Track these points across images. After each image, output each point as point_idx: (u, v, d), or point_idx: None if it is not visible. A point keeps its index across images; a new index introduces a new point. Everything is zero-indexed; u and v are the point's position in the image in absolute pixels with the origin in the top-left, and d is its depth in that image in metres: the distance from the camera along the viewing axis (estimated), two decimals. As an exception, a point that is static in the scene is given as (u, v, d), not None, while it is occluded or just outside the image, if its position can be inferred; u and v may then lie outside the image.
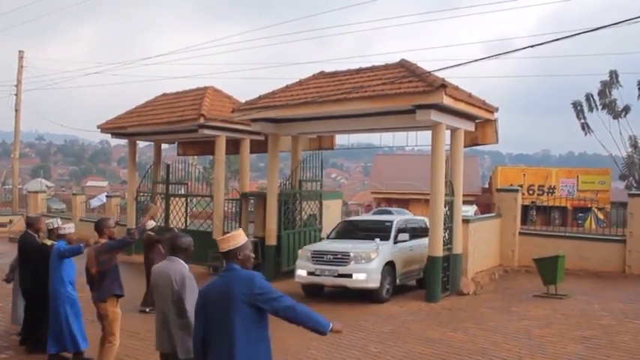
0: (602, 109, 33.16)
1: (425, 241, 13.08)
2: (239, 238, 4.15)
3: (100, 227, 7.02)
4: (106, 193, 33.99)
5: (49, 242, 7.98)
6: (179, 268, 5.12)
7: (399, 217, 15.08)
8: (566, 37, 8.69)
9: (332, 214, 16.98)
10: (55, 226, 7.97)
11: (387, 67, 13.32)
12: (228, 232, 4.88)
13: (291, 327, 4.13)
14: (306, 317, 3.97)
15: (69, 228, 7.79)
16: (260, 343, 3.93)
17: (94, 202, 34.48)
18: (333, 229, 14.43)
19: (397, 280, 12.59)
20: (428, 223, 13.12)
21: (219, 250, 4.14)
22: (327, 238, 13.92)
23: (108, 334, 6.68)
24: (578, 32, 8.43)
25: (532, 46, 8.80)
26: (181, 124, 16.89)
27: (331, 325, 4.00)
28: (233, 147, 18.52)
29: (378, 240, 12.12)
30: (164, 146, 22.38)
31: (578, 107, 33.75)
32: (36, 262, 7.99)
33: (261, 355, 3.94)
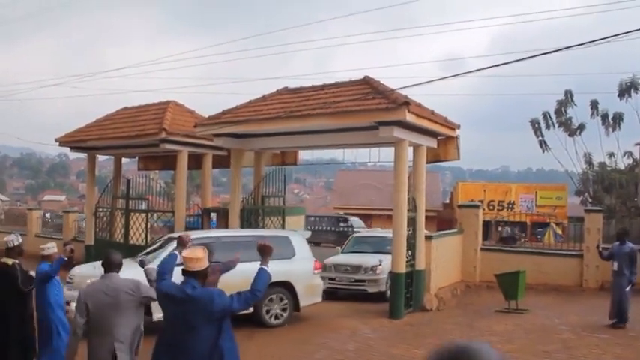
0: (558, 127, 34.02)
1: None
2: (205, 258, 4.56)
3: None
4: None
5: (10, 261, 7.26)
6: (123, 280, 5.37)
7: None
8: (529, 57, 8.88)
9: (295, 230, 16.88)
10: (16, 243, 7.31)
11: (350, 83, 13.37)
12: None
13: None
14: (262, 289, 4.65)
15: (51, 248, 7.29)
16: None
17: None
18: (346, 243, 17.16)
19: None
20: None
21: (189, 268, 4.48)
22: (342, 252, 16.34)
23: None
24: (542, 53, 8.62)
25: (496, 65, 8.97)
26: (142, 139, 16.62)
27: (266, 269, 4.70)
28: (195, 162, 18.31)
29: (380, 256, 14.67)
30: (125, 160, 22.00)
31: (536, 125, 34.54)
32: None
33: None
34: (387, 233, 16.14)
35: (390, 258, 13.32)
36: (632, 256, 11.25)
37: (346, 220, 30.57)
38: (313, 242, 15.28)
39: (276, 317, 11.14)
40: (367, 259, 14.80)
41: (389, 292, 13.58)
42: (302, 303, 11.42)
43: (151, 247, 12.01)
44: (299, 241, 12.06)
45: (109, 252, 5.75)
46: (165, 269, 4.90)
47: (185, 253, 4.73)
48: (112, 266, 5.45)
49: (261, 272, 4.69)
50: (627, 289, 11.07)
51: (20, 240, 7.48)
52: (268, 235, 12.07)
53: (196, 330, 4.44)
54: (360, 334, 10.57)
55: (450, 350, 1.74)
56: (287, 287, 11.21)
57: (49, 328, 7.05)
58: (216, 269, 6.70)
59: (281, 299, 11.21)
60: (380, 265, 14.38)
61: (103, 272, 5.49)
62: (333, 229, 29.46)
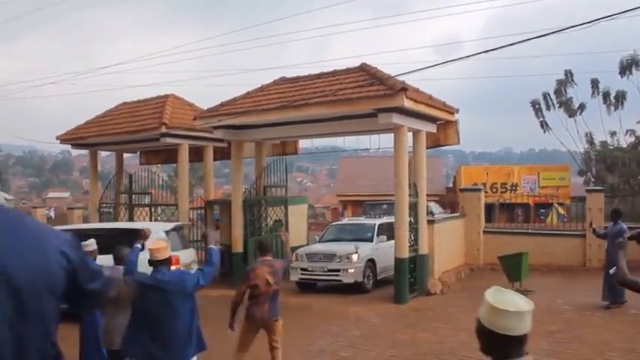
0: (559, 107, 33.90)
1: None
2: (168, 248, 5.35)
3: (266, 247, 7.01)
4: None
5: None
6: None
7: (379, 220, 15.46)
8: (526, 40, 8.87)
9: (298, 219, 16.95)
10: (93, 249, 7.18)
11: (347, 71, 13.37)
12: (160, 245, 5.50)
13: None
14: (216, 262, 5.60)
15: (92, 244, 7.21)
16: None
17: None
18: (324, 232, 15.93)
19: (377, 275, 13.98)
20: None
21: (156, 258, 5.20)
22: (319, 241, 15.22)
23: (279, 342, 6.75)
24: (540, 35, 8.60)
25: (495, 49, 8.96)
26: (143, 134, 16.65)
27: (213, 247, 5.74)
28: (196, 154, 18.35)
29: (356, 243, 13.77)
30: (127, 155, 22.05)
31: (537, 106, 34.42)
32: None
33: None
34: (367, 220, 16.31)
35: (369, 246, 13.77)
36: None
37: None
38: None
39: None
40: (342, 247, 13.78)
41: (366, 281, 13.47)
42: None
43: None
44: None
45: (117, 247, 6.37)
46: (132, 263, 5.55)
47: (150, 245, 5.43)
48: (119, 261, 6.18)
49: (211, 250, 5.69)
50: (611, 271, 10.98)
51: (95, 247, 7.44)
52: (128, 227, 11.97)
53: (176, 309, 5.12)
54: (365, 320, 10.62)
55: None
56: None
57: (93, 328, 6.64)
58: (277, 266, 6.72)
59: None
60: (355, 252, 13.30)
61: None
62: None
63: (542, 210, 32.72)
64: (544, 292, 12.80)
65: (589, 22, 8.08)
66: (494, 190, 35.25)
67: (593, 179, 34.22)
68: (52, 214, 35.70)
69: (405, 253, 12.50)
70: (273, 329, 6.70)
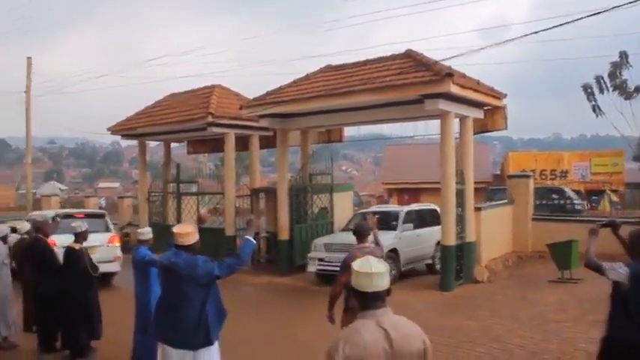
0: (613, 90, 32.79)
1: (434, 228, 14.04)
2: (196, 233, 5.19)
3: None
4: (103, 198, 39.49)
5: (77, 246, 7.85)
6: None
7: (407, 208, 15.12)
8: (574, 20, 8.63)
9: (343, 207, 16.98)
10: (83, 229, 7.91)
11: (393, 57, 13.28)
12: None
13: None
14: (246, 257, 5.22)
15: (148, 233, 7.49)
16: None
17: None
18: (349, 221, 15.04)
19: (402, 267, 13.42)
20: (439, 211, 13.22)
21: (181, 243, 5.10)
22: (343, 230, 14.55)
23: None
24: (585, 16, 8.37)
25: (535, 32, 8.76)
26: (190, 123, 16.95)
27: (250, 239, 5.25)
28: (242, 143, 18.56)
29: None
30: (174, 145, 22.49)
31: (589, 90, 33.39)
32: (55, 267, 8.04)
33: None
34: (394, 208, 16.10)
35: (392, 235, 13.24)
36: None
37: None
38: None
39: None
40: None
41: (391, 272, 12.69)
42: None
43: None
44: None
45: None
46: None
47: (175, 228, 5.27)
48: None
49: (247, 241, 5.27)
50: None
51: (87, 226, 7.95)
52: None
53: (186, 294, 5.02)
54: (409, 306, 10.52)
55: None
56: None
57: (149, 309, 6.77)
58: (377, 254, 5.86)
59: None
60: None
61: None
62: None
63: (594, 197, 31.79)
64: (594, 280, 12.41)
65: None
66: (543, 176, 34.54)
67: (648, 165, 33.10)
68: (103, 203, 36.87)
69: (452, 241, 12.41)
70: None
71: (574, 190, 28.57)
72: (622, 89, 32.56)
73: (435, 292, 12.05)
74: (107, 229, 14.24)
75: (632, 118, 32.99)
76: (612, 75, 32.77)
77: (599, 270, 4.87)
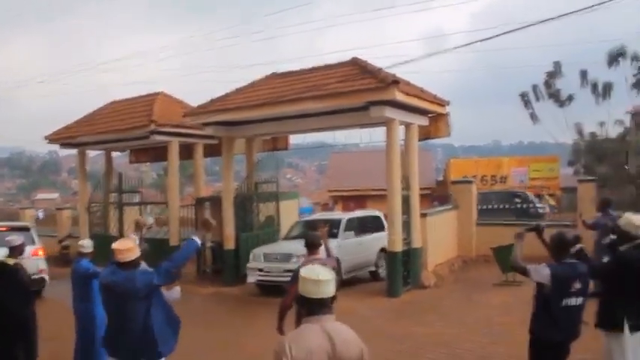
0: (548, 98, 34.05)
1: (377, 235, 14.25)
2: (137, 249, 4.96)
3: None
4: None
5: (11, 261, 7.11)
6: None
7: (348, 215, 15.03)
8: (513, 30, 8.86)
9: (290, 215, 16.90)
10: (18, 243, 7.27)
11: (339, 65, 13.32)
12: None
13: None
14: (182, 259, 5.01)
15: (89, 246, 7.37)
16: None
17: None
18: (289, 230, 14.90)
19: (342, 275, 12.71)
20: (383, 217, 13.30)
21: (121, 259, 4.83)
22: (285, 239, 14.43)
23: None
24: (525, 25, 8.60)
25: (482, 40, 8.95)
26: (132, 132, 16.53)
27: (195, 239, 5.05)
28: (186, 152, 18.24)
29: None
30: (115, 154, 21.89)
31: (526, 98, 34.57)
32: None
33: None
34: (335, 215, 16.07)
35: (334, 243, 12.26)
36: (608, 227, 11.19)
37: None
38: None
39: None
40: (300, 246, 12.99)
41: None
42: None
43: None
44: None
45: None
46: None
47: (115, 245, 4.96)
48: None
49: (189, 241, 5.12)
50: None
51: (22, 239, 7.53)
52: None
53: (127, 311, 4.84)
54: (357, 313, 10.49)
55: None
56: None
57: (92, 324, 6.98)
58: (330, 266, 5.72)
59: None
60: None
61: None
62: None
63: (533, 201, 32.79)
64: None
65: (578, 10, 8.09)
66: (484, 182, 35.36)
67: (583, 169, 34.42)
68: (41, 215, 35.53)
69: (399, 247, 12.50)
70: None
71: (536, 195, 29.48)
72: (556, 97, 33.85)
73: (383, 298, 12.09)
74: (32, 242, 13.64)
75: (565, 125, 34.37)
76: (547, 84, 34.05)
77: (524, 272, 5.04)
